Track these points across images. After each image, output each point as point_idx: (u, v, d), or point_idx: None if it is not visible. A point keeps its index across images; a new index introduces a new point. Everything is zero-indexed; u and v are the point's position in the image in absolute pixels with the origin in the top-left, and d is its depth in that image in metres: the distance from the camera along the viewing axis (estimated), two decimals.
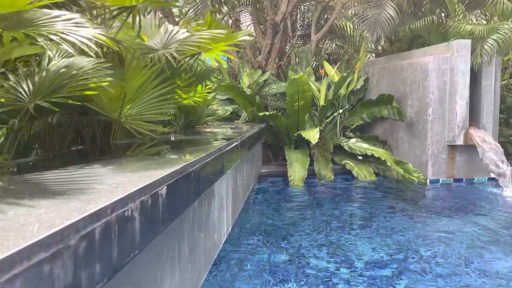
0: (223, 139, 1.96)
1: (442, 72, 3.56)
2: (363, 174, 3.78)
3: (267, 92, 4.46)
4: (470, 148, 3.64)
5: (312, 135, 3.53)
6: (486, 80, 3.56)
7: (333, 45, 6.61)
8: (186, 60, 2.52)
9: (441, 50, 3.64)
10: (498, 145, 3.46)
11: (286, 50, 5.62)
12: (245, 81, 4.49)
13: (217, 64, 2.52)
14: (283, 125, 3.95)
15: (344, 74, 3.76)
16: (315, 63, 5.64)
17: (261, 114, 3.58)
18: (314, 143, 3.45)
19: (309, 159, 3.76)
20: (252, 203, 2.96)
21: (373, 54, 5.91)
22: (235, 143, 1.88)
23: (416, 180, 3.66)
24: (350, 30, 5.86)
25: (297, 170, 3.62)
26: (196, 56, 2.51)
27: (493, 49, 3.43)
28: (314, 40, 5.31)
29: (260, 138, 3.46)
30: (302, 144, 4.00)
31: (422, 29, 4.42)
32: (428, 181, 3.63)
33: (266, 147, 4.55)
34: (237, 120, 3.80)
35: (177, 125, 2.88)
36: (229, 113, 4.25)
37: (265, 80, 4.75)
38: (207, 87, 3.13)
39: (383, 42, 5.74)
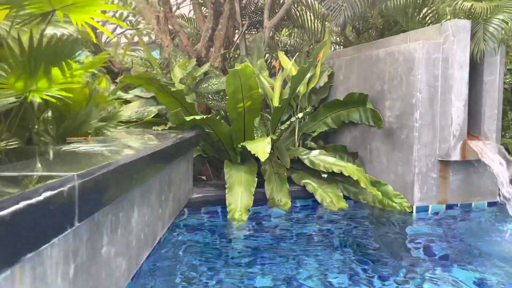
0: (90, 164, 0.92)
1: (432, 64, 2.67)
2: (329, 198, 2.83)
3: (205, 89, 3.42)
4: (466, 164, 2.77)
5: (261, 148, 2.53)
6: (489, 74, 2.70)
7: (292, 38, 5.68)
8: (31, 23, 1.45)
9: (430, 34, 2.75)
10: (503, 160, 2.61)
11: (235, 39, 4.62)
12: (177, 74, 3.43)
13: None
14: (224, 133, 2.93)
15: (304, 65, 2.80)
16: (268, 55, 4.67)
17: (189, 118, 2.54)
18: (263, 159, 2.46)
19: (257, 179, 2.76)
20: (161, 259, 1.91)
21: (339, 47, 5.02)
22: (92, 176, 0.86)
23: (398, 207, 2.75)
24: (310, 19, 4.94)
25: (239, 197, 2.61)
26: (49, 18, 1.46)
27: (499, 33, 2.57)
28: (267, 27, 4.34)
29: (186, 152, 2.42)
30: (250, 157, 3.00)
31: (398, 11, 3.55)
32: (414, 209, 2.72)
33: (204, 162, 3.52)
34: (157, 127, 2.74)
35: (45, 135, 1.81)
36: (152, 116, 3.19)
37: (205, 74, 3.72)
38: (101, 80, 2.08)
39: (349, 32, 4.86)
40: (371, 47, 3.24)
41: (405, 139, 2.78)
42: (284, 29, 5.79)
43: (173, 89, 2.75)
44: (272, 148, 3.21)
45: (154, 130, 2.67)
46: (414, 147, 2.70)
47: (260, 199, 2.80)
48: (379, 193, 2.76)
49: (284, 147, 3.33)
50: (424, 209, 2.74)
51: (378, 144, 3.06)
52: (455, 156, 2.65)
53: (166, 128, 2.67)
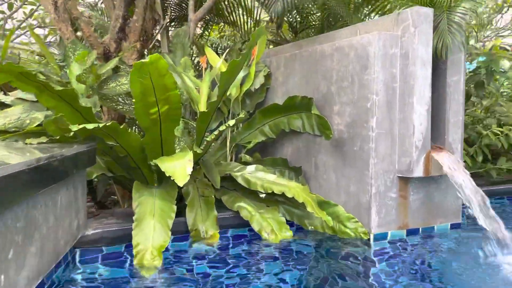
0: None
1: (390, 60, 2.21)
2: (270, 227, 2.25)
3: (113, 89, 2.71)
4: (427, 181, 2.34)
5: (180, 168, 1.89)
6: (454, 74, 2.30)
7: (224, 40, 5.12)
8: None
9: (385, 25, 2.30)
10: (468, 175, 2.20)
11: (155, 34, 3.93)
12: (74, 70, 2.68)
13: None
14: (134, 146, 2.24)
15: (236, 60, 2.20)
16: (195, 53, 4.05)
17: (75, 127, 1.83)
18: (181, 183, 1.82)
19: (175, 206, 2.11)
20: None
21: (275, 46, 4.53)
22: None
23: (353, 234, 2.24)
24: (242, 15, 4.40)
25: (151, 233, 1.93)
26: None
27: (463, 25, 2.17)
28: (193, 20, 3.71)
29: (68, 175, 1.71)
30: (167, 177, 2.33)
31: (340, 2, 3.10)
32: (371, 237, 2.23)
33: (110, 183, 2.79)
34: (33, 139, 1.99)
35: None
36: (37, 124, 2.41)
37: (115, 71, 3.01)
38: None
39: (286, 31, 4.39)
40: (315, 42, 2.74)
41: (359, 151, 2.28)
42: (214, 30, 5.21)
43: (58, 88, 2.01)
44: (197, 164, 2.58)
45: (28, 144, 1.91)
46: (370, 161, 2.21)
47: (178, 232, 2.15)
48: (329, 218, 2.23)
49: (213, 162, 2.71)
50: (383, 236, 2.25)
51: (325, 158, 2.54)
52: (418, 171, 2.20)
53: (44, 141, 1.93)
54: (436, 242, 2.27)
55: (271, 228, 2.22)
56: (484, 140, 3.54)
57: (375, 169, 2.21)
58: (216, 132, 2.24)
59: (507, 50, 3.73)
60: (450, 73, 2.27)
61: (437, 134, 2.33)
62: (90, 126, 1.86)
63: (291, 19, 4.21)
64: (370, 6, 3.17)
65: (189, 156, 1.97)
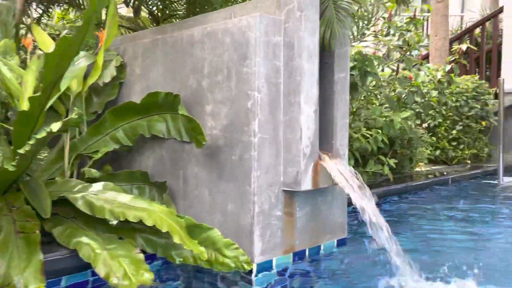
0: None
1: (273, 50, 1.81)
2: (121, 270, 1.63)
3: None
4: (314, 193, 2.02)
5: None
6: (341, 70, 2.01)
7: (69, 22, 4.26)
8: None
9: (266, 7, 1.90)
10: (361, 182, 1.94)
11: None
12: None
13: None
14: None
15: (68, 36, 1.54)
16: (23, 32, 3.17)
17: None
18: None
19: None
20: None
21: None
22: None
23: (233, 265, 1.77)
24: None
25: None
26: None
27: (350, 12, 1.91)
28: None
29: None
30: None
31: None
32: (254, 267, 1.80)
33: None
34: None
35: None
36: None
37: None
38: None
39: (146, 20, 3.78)
40: (182, 27, 2.22)
41: (238, 161, 1.84)
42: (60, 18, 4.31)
43: None
44: (15, 183, 1.84)
45: None
46: (252, 174, 1.78)
47: None
48: (203, 250, 1.72)
49: (44, 181, 1.98)
50: (267, 265, 1.84)
51: (197, 170, 2.04)
52: (306, 184, 1.85)
53: None
54: (325, 268, 1.95)
55: (124, 270, 1.62)
56: (355, 144, 3.46)
57: (258, 183, 1.79)
58: (31, 141, 1.55)
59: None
60: (337, 68, 1.99)
61: (323, 139, 2.02)
62: None
63: (151, 6, 3.61)
64: None
65: None
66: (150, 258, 1.91)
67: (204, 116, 1.98)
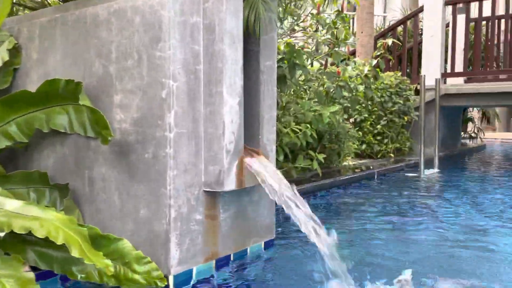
0: None
1: (191, 32, 1.60)
2: None
3: None
4: (238, 193, 1.84)
5: None
6: (267, 58, 1.85)
7: None
8: None
9: None
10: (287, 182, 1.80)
11: None
12: None
13: None
14: None
15: None
16: None
17: None
18: None
19: None
20: None
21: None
22: None
23: (144, 282, 1.55)
24: None
25: None
26: None
27: None
28: None
29: None
30: None
31: None
32: (170, 280, 1.59)
33: None
34: None
35: None
36: None
37: None
38: None
39: None
40: (86, 4, 1.92)
41: (152, 160, 1.60)
42: None
43: None
44: None
45: None
46: (168, 173, 1.56)
47: None
48: (109, 263, 1.47)
49: None
50: (187, 277, 1.64)
51: (105, 170, 1.77)
52: (230, 183, 1.66)
53: None
54: (251, 274, 1.78)
55: None
56: (285, 139, 3.36)
57: (175, 184, 1.58)
58: None
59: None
60: (263, 57, 1.82)
61: (249, 134, 1.85)
62: None
63: None
64: None
65: None
66: (48, 275, 1.62)
67: (112, 107, 1.71)
